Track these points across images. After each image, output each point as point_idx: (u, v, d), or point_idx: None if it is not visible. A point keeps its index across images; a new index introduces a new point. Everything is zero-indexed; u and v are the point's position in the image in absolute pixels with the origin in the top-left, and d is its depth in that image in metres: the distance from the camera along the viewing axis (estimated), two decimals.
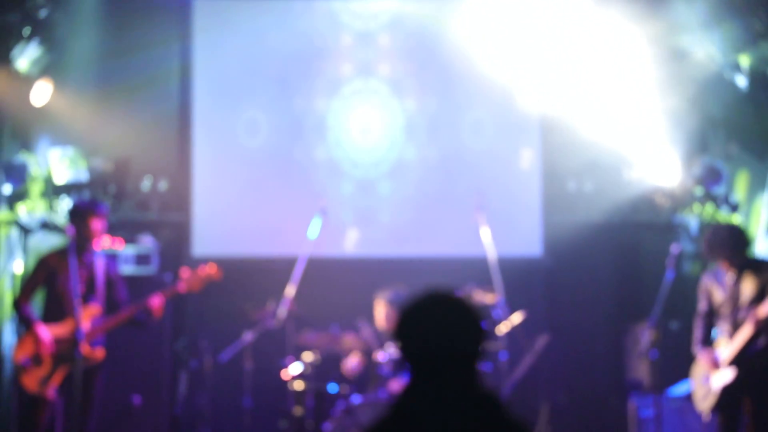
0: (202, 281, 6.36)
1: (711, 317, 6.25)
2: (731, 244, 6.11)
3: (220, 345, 7.46)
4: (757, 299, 5.99)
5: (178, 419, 7.78)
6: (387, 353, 6.75)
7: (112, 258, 6.51)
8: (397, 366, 6.72)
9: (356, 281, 7.94)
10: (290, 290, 6.88)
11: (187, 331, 8.10)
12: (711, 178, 8.09)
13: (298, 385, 6.77)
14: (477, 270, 7.23)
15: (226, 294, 7.74)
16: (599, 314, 8.30)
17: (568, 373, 8.23)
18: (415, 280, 7.30)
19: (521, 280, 7.83)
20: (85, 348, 5.94)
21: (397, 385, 6.66)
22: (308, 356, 6.81)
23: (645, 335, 6.58)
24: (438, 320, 2.60)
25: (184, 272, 6.35)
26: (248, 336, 7.00)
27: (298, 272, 6.95)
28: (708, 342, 6.20)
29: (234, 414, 7.49)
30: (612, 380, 8.18)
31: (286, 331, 6.91)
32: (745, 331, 5.93)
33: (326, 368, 7.04)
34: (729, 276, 6.15)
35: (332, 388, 6.79)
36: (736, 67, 7.60)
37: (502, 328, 6.76)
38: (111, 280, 6.34)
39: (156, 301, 6.16)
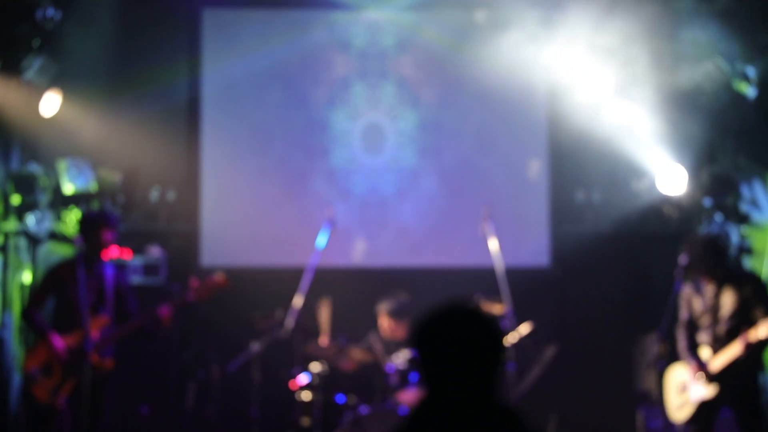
0: (211, 291, 6.34)
1: (693, 326, 6.19)
2: (709, 258, 6.03)
3: (227, 355, 7.46)
4: (739, 313, 5.96)
5: (185, 429, 7.77)
6: (394, 364, 6.74)
7: (122, 268, 6.51)
8: (405, 376, 6.71)
9: (364, 291, 7.93)
10: (298, 300, 6.87)
11: (194, 341, 8.10)
12: (720, 188, 8.06)
13: (306, 396, 6.75)
14: (485, 280, 7.21)
15: (233, 304, 7.74)
16: (607, 325, 8.27)
17: (577, 384, 8.20)
18: (423, 291, 7.36)
19: (529, 290, 7.80)
20: (94, 358, 5.94)
21: (405, 395, 6.65)
22: (316, 366, 6.80)
23: (653, 346, 6.55)
24: (457, 332, 2.56)
25: (193, 282, 6.34)
26: (256, 346, 6.99)
27: (305, 282, 6.94)
28: (693, 350, 6.14)
29: (241, 424, 7.48)
30: (620, 391, 8.15)
31: (294, 342, 6.90)
32: (734, 350, 5.88)
33: (334, 379, 7.02)
34: (709, 288, 6.08)
35: (340, 398, 6.77)
36: (745, 78, 7.59)
37: (510, 339, 6.74)
38: (121, 291, 6.34)
39: (165, 311, 6.16)
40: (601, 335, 8.25)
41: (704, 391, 6.01)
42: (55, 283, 6.21)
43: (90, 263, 6.14)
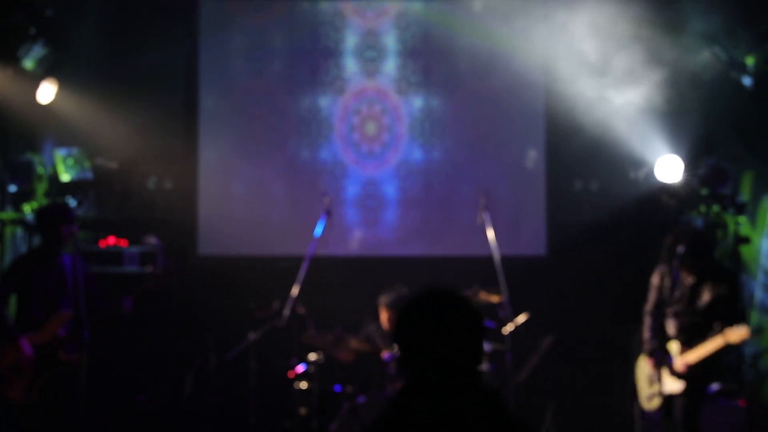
0: (168, 279, 6.32)
1: (658, 314, 6.17)
2: (694, 252, 5.95)
3: (224, 344, 7.46)
4: (712, 309, 5.98)
5: (182, 418, 7.79)
6: (391, 353, 6.74)
7: (79, 257, 6.39)
8: (398, 365, 6.72)
9: (361, 281, 7.94)
10: (295, 290, 6.87)
11: (192, 330, 8.10)
12: (717, 178, 8.07)
13: (303, 385, 6.76)
14: (482, 269, 7.22)
15: (231, 293, 7.74)
16: (604, 314, 8.27)
17: (574, 373, 8.22)
18: (420, 280, 7.32)
19: (526, 279, 7.81)
20: (61, 355, 5.94)
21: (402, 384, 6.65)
22: (313, 356, 6.80)
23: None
24: (436, 318, 2.56)
25: (150, 268, 6.29)
26: (253, 335, 6.99)
27: (303, 271, 6.94)
28: (661, 342, 6.13)
29: (238, 413, 7.49)
30: (617, 380, 8.17)
31: (291, 331, 6.91)
32: (711, 345, 5.89)
33: (331, 368, 7.03)
34: (687, 279, 6.06)
35: (337, 388, 6.78)
36: (742, 68, 7.58)
37: (507, 329, 6.74)
38: (81, 280, 6.24)
39: (127, 303, 6.19)
40: (598, 324, 8.25)
41: (675, 385, 6.05)
42: (21, 275, 6.11)
43: (50, 257, 6.12)
